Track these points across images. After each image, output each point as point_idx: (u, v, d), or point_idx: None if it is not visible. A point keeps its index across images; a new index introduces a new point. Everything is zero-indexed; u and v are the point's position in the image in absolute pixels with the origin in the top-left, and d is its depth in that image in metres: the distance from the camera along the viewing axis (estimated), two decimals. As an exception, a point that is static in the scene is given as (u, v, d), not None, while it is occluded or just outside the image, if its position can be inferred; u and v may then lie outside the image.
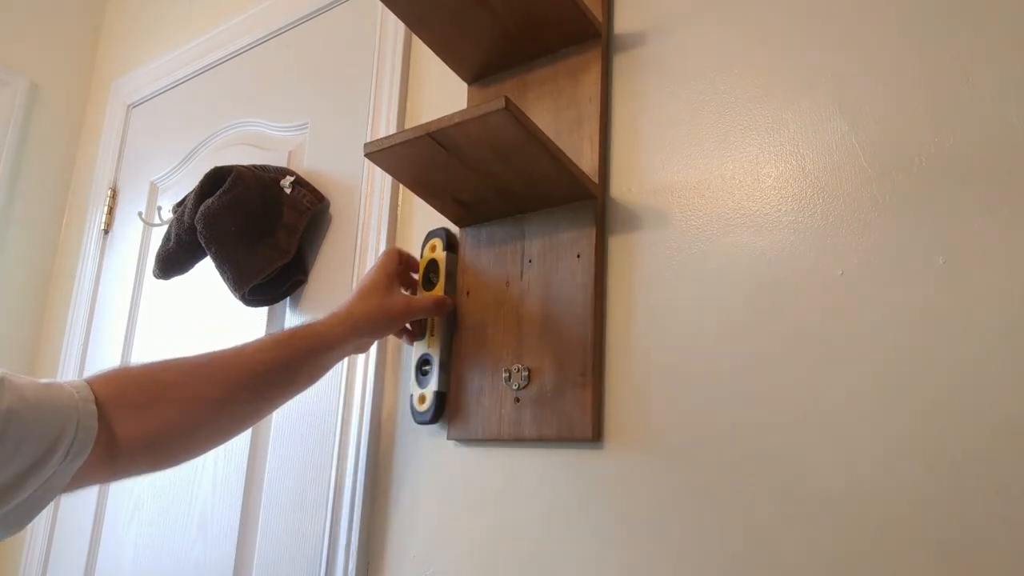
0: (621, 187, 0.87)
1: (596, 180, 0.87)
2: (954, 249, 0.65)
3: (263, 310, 1.21)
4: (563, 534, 0.81)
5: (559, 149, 0.81)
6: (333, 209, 1.17)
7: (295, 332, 0.84)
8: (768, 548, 0.68)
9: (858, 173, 0.72)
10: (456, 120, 0.76)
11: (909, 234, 0.68)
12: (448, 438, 0.92)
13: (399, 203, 1.10)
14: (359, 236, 1.11)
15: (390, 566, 0.93)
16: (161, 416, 0.73)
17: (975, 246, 0.65)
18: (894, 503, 0.63)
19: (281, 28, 1.38)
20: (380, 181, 1.11)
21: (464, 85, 1.04)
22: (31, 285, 1.72)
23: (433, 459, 0.94)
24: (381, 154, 0.84)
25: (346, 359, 1.03)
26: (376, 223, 1.10)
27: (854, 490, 0.65)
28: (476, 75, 1.02)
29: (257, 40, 1.42)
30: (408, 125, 1.14)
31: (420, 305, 0.91)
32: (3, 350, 1.66)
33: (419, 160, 0.84)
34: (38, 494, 0.64)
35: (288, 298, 1.18)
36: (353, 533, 0.96)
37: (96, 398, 0.69)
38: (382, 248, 1.07)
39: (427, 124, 0.79)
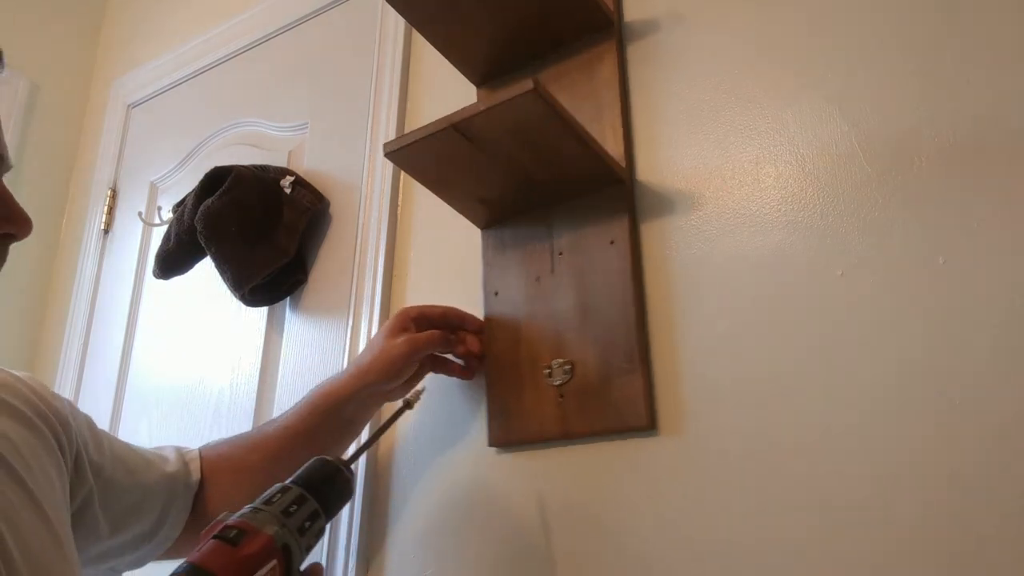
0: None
1: (623, 165, 0.85)
2: (954, 249, 0.66)
3: (263, 310, 1.21)
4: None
5: (588, 133, 0.79)
6: (333, 209, 1.17)
7: (313, 396, 0.84)
8: (774, 552, 0.68)
9: (858, 173, 0.72)
10: (482, 107, 0.74)
11: (909, 234, 0.68)
12: (489, 445, 0.87)
13: (399, 203, 1.10)
14: (359, 236, 1.11)
15: (389, 566, 0.93)
16: (220, 489, 0.81)
17: (975, 246, 0.65)
18: (891, 501, 0.63)
19: (281, 28, 1.37)
20: (380, 181, 1.11)
21: (467, 85, 1.03)
22: (31, 285, 1.72)
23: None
24: (402, 152, 0.81)
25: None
26: (376, 223, 1.10)
27: (853, 488, 0.65)
28: (486, 76, 1.01)
29: (257, 40, 1.42)
30: (409, 126, 1.14)
31: (423, 340, 0.83)
32: (3, 349, 1.66)
33: (441, 156, 0.81)
34: (146, 552, 0.78)
35: (288, 298, 1.18)
36: (353, 533, 0.96)
37: (203, 474, 0.81)
38: (382, 248, 1.07)
39: (450, 115, 0.76)
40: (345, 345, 1.07)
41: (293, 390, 1.12)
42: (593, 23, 0.91)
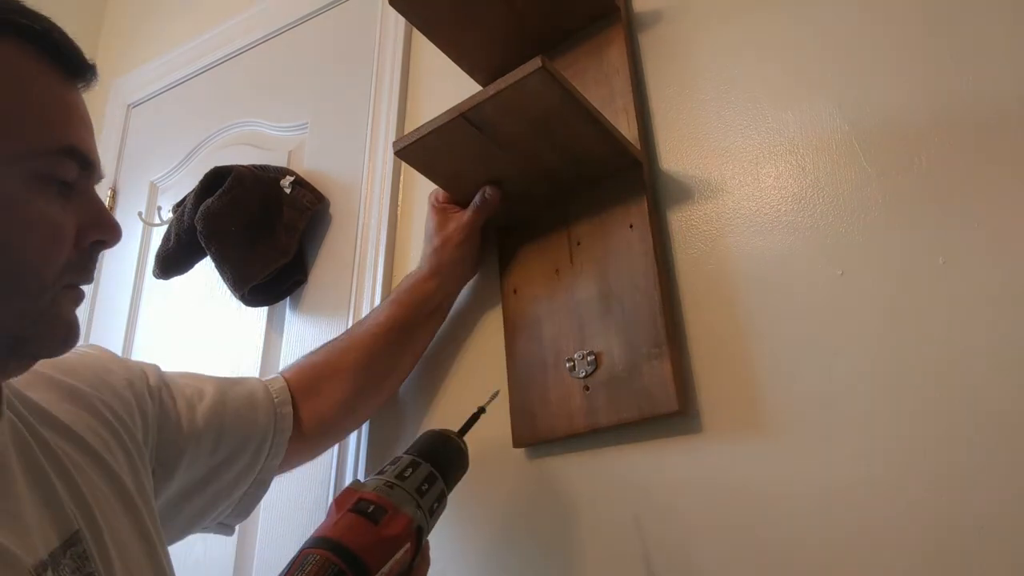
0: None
1: (639, 147, 0.84)
2: (954, 249, 0.65)
3: (263, 310, 1.21)
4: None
5: (599, 112, 0.77)
6: (333, 209, 1.17)
7: (398, 294, 0.89)
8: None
9: (858, 173, 0.72)
10: (491, 92, 0.73)
11: (909, 234, 0.68)
12: (514, 446, 0.83)
13: (399, 203, 1.10)
14: (359, 236, 1.11)
15: None
16: (322, 396, 0.84)
17: (975, 246, 0.65)
18: (891, 502, 0.63)
19: (281, 28, 1.37)
20: (380, 181, 1.11)
21: (467, 85, 1.03)
22: (31, 285, 1.71)
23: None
24: (412, 148, 0.79)
25: None
26: (376, 223, 1.10)
27: (852, 489, 0.65)
28: (493, 75, 0.99)
29: (257, 40, 1.42)
30: (409, 126, 1.14)
31: (467, 219, 0.88)
32: (3, 350, 1.66)
33: (452, 150, 0.79)
34: (252, 490, 0.79)
35: (288, 298, 1.18)
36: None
37: (292, 395, 0.82)
38: (383, 248, 1.07)
39: (459, 105, 0.75)
40: (345, 345, 1.07)
41: (293, 390, 1.12)
42: (599, 11, 0.91)
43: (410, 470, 0.57)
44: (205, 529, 0.79)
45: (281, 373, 0.86)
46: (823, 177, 0.74)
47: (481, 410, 0.71)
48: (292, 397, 0.82)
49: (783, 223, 0.75)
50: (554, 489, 0.81)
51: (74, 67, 0.53)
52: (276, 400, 0.80)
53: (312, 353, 0.89)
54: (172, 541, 0.67)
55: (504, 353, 0.88)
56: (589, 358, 0.80)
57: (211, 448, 0.73)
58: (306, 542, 0.53)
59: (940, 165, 0.68)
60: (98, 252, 0.54)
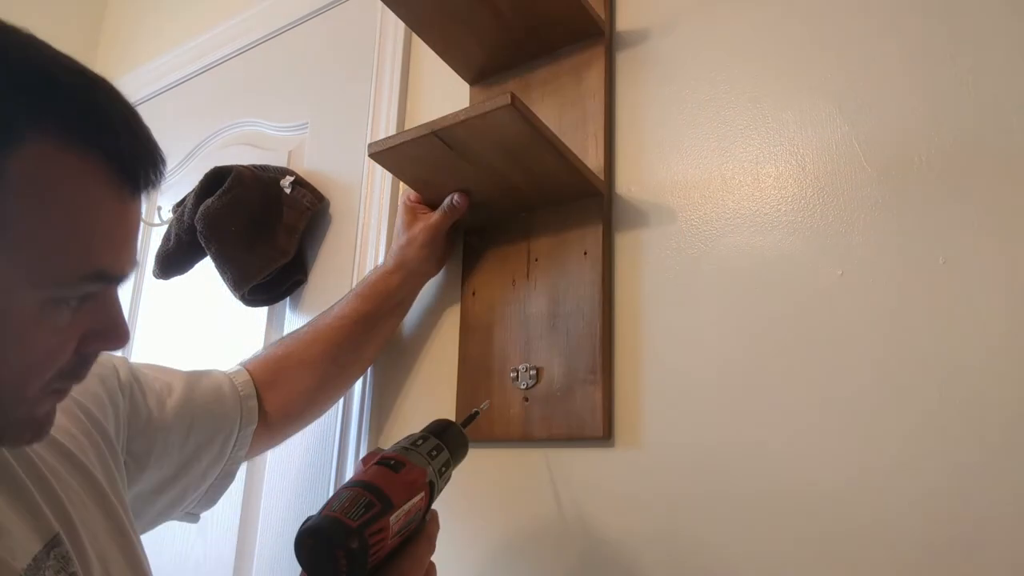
0: (626, 184, 0.87)
1: (602, 177, 0.86)
2: (954, 249, 0.66)
3: (263, 310, 1.21)
4: (573, 535, 0.80)
5: (565, 146, 0.80)
6: (333, 209, 1.17)
7: (362, 288, 0.92)
8: (777, 553, 0.68)
9: (858, 173, 0.72)
10: (461, 118, 0.76)
11: (909, 234, 0.68)
12: None
13: (399, 203, 1.10)
14: (359, 236, 1.11)
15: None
16: (288, 386, 0.86)
17: (975, 246, 0.65)
18: (894, 502, 0.63)
19: (281, 28, 1.37)
20: (380, 181, 1.11)
21: (466, 86, 1.04)
22: (31, 285, 1.71)
23: None
24: (386, 154, 0.83)
25: None
26: (376, 223, 1.10)
27: (853, 489, 0.65)
28: (478, 75, 1.02)
29: (257, 40, 1.42)
30: (408, 125, 1.14)
31: (433, 221, 0.91)
32: (3, 350, 1.65)
33: (424, 160, 0.83)
34: (219, 480, 0.82)
35: (288, 298, 1.18)
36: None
37: (256, 388, 0.83)
38: (382, 248, 1.08)
39: (432, 123, 0.78)
40: (345, 345, 1.07)
41: (293, 390, 1.12)
42: (583, 30, 0.92)
43: (421, 440, 0.66)
44: (173, 518, 0.81)
45: (243, 364, 0.86)
46: (823, 177, 0.74)
47: (476, 412, 0.78)
48: (256, 389, 0.83)
49: (783, 223, 0.75)
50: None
51: (135, 179, 0.46)
52: (242, 393, 0.82)
53: (275, 344, 0.90)
54: (143, 532, 0.67)
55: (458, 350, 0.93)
56: (531, 372, 0.85)
57: (181, 442, 0.74)
58: (339, 488, 0.61)
59: (940, 165, 0.68)
60: (96, 356, 0.50)
